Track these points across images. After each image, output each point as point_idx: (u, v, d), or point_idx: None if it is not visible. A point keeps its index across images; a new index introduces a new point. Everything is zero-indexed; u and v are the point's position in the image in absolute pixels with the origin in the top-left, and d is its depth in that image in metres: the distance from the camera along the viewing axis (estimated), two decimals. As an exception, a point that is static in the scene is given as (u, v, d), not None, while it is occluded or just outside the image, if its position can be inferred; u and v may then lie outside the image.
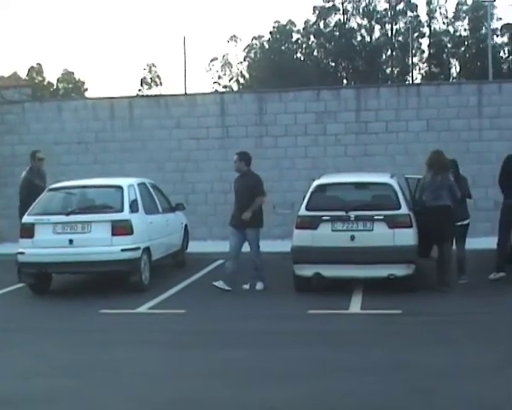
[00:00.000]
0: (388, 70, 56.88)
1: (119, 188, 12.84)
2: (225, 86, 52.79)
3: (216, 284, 12.72)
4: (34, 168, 15.04)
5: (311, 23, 53.27)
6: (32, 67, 53.45)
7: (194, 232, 16.43)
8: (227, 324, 10.31)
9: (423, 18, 60.38)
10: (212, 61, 55.80)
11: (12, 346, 9.37)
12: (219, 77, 54.03)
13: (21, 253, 12.43)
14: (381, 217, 11.82)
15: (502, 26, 59.03)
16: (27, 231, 12.48)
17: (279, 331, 9.73)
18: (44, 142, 19.34)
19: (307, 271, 12.03)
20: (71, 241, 12.11)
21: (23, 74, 50.61)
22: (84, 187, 13.47)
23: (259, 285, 12.86)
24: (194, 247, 16.21)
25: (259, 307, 11.35)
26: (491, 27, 50.04)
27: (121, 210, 12.49)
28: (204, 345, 9.11)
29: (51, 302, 12.33)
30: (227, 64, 54.02)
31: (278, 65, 46.79)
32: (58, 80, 53.03)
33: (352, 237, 11.82)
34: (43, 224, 12.40)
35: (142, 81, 57.26)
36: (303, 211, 12.22)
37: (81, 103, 21.14)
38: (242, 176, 12.91)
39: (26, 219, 12.57)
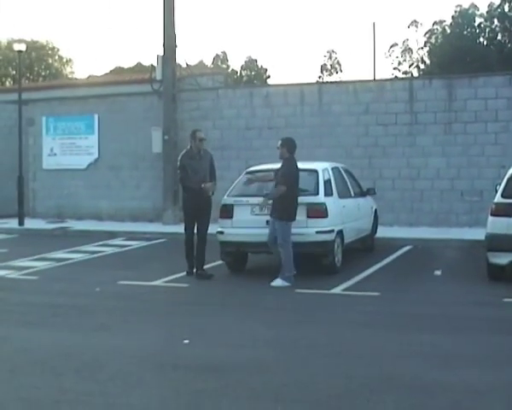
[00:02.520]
0: None
1: (315, 172, 13.17)
2: (405, 72, 52.15)
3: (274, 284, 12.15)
4: (193, 149, 13.18)
5: (494, 6, 51.71)
6: (217, 54, 55.29)
7: (381, 218, 16.56)
8: (421, 308, 10.38)
9: None
10: (391, 47, 55.24)
11: (216, 320, 9.87)
12: (399, 63, 53.52)
13: (221, 232, 13.04)
14: None
15: None
16: (227, 212, 13.02)
17: (475, 318, 9.71)
18: (236, 127, 20.14)
19: (502, 259, 11.89)
20: (267, 222, 12.50)
21: (208, 62, 52.42)
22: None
23: (277, 281, 12.09)
24: (381, 232, 16.35)
25: (453, 294, 11.35)
26: None
27: (316, 193, 12.82)
28: (401, 327, 9.24)
29: (247, 280, 12.88)
30: (407, 50, 53.39)
31: (460, 50, 45.69)
32: (242, 68, 54.43)
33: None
34: (242, 205, 12.93)
35: (322, 68, 57.72)
36: (499, 198, 12.07)
37: (271, 90, 21.76)
38: (283, 163, 12.52)
39: (226, 200, 13.10)
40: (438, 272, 12.89)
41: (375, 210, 15.96)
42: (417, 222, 18.72)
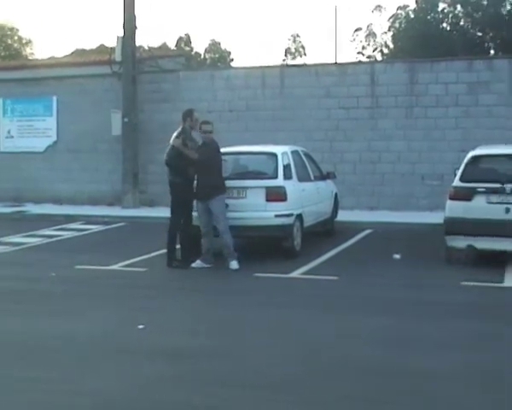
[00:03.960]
0: (539, 40, 54.70)
1: (274, 155, 13.09)
2: (369, 56, 52.26)
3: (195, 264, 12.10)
4: (187, 130, 12.56)
5: (458, -8, 52.10)
6: (181, 37, 54.87)
7: (341, 201, 16.52)
8: (380, 291, 10.37)
9: None
10: (356, 31, 55.36)
11: (172, 305, 9.81)
12: (363, 47, 53.65)
13: None
14: (539, 190, 11.58)
15: None
16: None
17: (433, 301, 9.71)
18: (197, 110, 19.85)
19: (460, 242, 11.93)
20: (226, 205, 12.34)
21: (172, 45, 52.04)
22: (239, 154, 13.80)
23: (234, 264, 11.97)
24: (342, 215, 16.31)
25: (411, 277, 11.35)
26: None
27: (275, 177, 12.76)
28: (359, 311, 9.22)
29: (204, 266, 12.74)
30: (371, 34, 53.54)
31: (423, 35, 45.85)
32: (205, 50, 54.18)
33: (507, 210, 11.64)
34: None
35: (287, 51, 57.67)
36: (457, 182, 12.11)
37: (233, 72, 21.64)
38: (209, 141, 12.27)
39: None
40: (397, 256, 12.87)
41: (336, 194, 15.92)
42: (378, 206, 18.74)
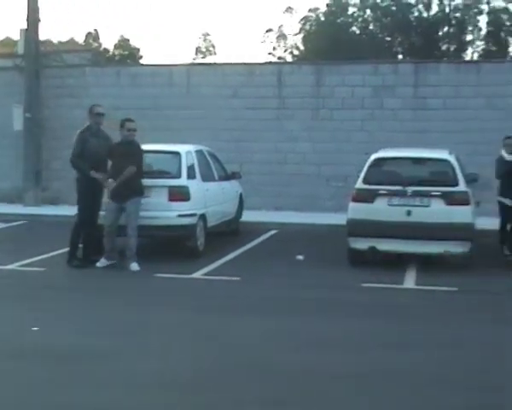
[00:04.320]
0: (444, 47, 56.04)
1: (177, 154, 12.94)
2: (280, 58, 52.42)
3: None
4: (92, 126, 12.35)
5: (367, -3, 52.93)
6: (90, 33, 54.00)
7: (248, 202, 16.46)
8: (280, 292, 10.35)
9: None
10: (267, 31, 55.52)
11: (69, 306, 9.57)
12: (274, 48, 53.86)
13: None
14: (439, 193, 11.78)
15: None
16: None
17: (333, 302, 9.77)
18: (103, 107, 19.52)
19: (362, 244, 12.04)
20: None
21: (80, 40, 51.13)
22: (144, 152, 13.51)
23: (135, 266, 11.73)
24: (247, 216, 16.27)
25: (313, 278, 11.39)
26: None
27: (179, 176, 12.61)
28: (260, 311, 9.19)
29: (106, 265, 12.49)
30: (282, 36, 53.80)
31: (333, 38, 46.40)
32: (114, 47, 53.44)
33: (409, 213, 11.80)
34: None
35: (197, 50, 57.43)
36: (360, 184, 12.22)
37: (140, 70, 21.36)
38: (132, 143, 12.08)
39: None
40: (300, 257, 12.89)
41: (241, 194, 15.86)
42: (284, 206, 18.73)
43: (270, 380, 6.51)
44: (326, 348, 7.58)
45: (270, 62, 23.73)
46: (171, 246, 13.01)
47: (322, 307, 9.50)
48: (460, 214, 11.72)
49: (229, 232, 15.02)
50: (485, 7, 56.58)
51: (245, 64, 20.22)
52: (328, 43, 45.26)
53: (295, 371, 6.78)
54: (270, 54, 53.81)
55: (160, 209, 12.22)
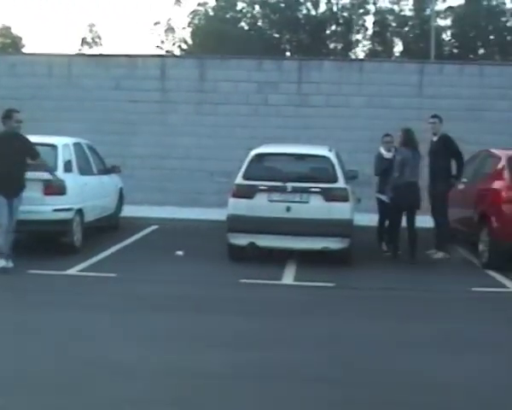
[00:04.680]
0: (332, 45, 56.91)
1: (54, 147, 12.55)
2: (168, 51, 51.96)
3: None
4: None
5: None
6: (-30, 20, 52.15)
7: (129, 196, 16.19)
8: (158, 289, 10.17)
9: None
10: (155, 24, 55.03)
11: None
12: (162, 42, 53.32)
13: None
14: (318, 189, 11.83)
15: (445, 9, 59.54)
16: None
17: (210, 298, 9.68)
18: (-21, 96, 18.82)
19: (242, 240, 11.99)
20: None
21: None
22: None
23: (2, 262, 11.03)
24: (129, 211, 15.99)
25: (192, 274, 11.26)
26: (435, 9, 50.36)
27: (54, 169, 12.20)
28: (134, 309, 9.00)
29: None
30: (170, 29, 53.32)
31: (222, 33, 46.35)
32: (-5, 34, 51.76)
33: (288, 209, 11.81)
34: None
35: (83, 41, 56.26)
36: (240, 180, 12.16)
37: (19, 59, 20.68)
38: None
39: None
40: (180, 253, 12.74)
41: (121, 188, 15.56)
42: (167, 201, 18.49)
43: (130, 380, 6.34)
44: (197, 345, 7.45)
45: (154, 55, 23.34)
46: (48, 242, 12.60)
47: (197, 303, 9.38)
48: (339, 211, 11.81)
49: (108, 228, 14.71)
50: (371, 7, 57.76)
51: (128, 56, 19.85)
52: (216, 38, 45.17)
53: (159, 370, 6.62)
54: (158, 47, 53.28)
55: (34, 204, 11.75)
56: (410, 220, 12.63)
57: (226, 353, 7.22)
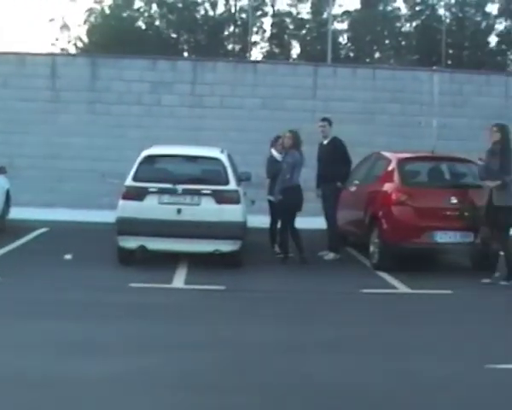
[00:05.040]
0: (230, 46, 57.02)
1: None
2: (63, 49, 50.99)
3: None
4: None
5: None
6: None
7: (18, 198, 15.68)
8: (46, 294, 9.84)
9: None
10: (50, 21, 53.84)
11: None
12: (57, 39, 52.23)
13: None
14: (209, 192, 11.72)
15: (342, 13, 60.51)
16: None
17: (99, 304, 9.40)
18: None
19: (131, 243, 11.76)
20: None
21: None
22: None
23: None
24: (16, 213, 15.49)
25: (80, 279, 10.94)
26: (332, 13, 51.10)
27: None
28: (21, 315, 8.64)
29: None
30: (65, 26, 52.30)
31: (118, 32, 45.80)
32: None
33: (179, 211, 11.65)
34: None
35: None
36: (129, 181, 11.95)
37: None
38: None
39: None
40: (68, 256, 12.42)
41: (8, 190, 15.07)
42: (57, 203, 17.98)
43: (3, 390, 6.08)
44: (83, 352, 7.20)
45: (44, 53, 22.73)
46: None
47: (83, 309, 9.09)
48: (230, 213, 11.72)
49: (-5, 231, 14.24)
50: (269, 9, 58.18)
51: (16, 53, 19.27)
52: (112, 37, 44.57)
53: (48, 377, 6.39)
54: (53, 45, 52.16)
55: None
56: (292, 222, 12.71)
57: (107, 360, 7.00)
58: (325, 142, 13.36)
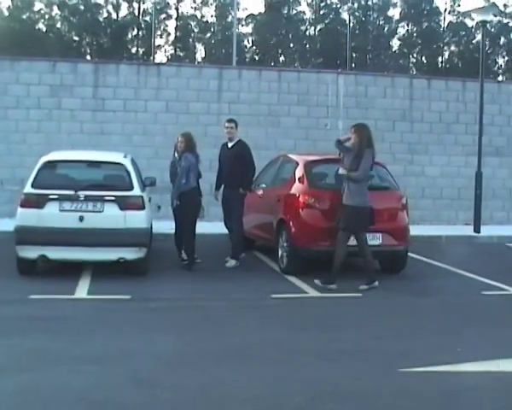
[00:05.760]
0: (134, 49, 56.46)
1: None
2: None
3: None
4: None
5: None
6: None
7: None
8: None
9: (172, 0, 60.60)
10: None
11: None
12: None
13: None
14: (113, 198, 11.35)
15: (247, 16, 60.72)
16: None
17: (-2, 317, 8.95)
18: None
19: (31, 253, 11.27)
20: None
21: None
22: None
23: None
24: None
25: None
26: (237, 17, 51.18)
27: None
28: None
29: None
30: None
31: (18, 34, 44.68)
32: None
33: (81, 218, 11.23)
34: None
35: None
36: (28, 188, 11.45)
37: None
38: None
39: None
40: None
41: None
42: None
43: None
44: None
45: None
46: None
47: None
48: (135, 219, 11.38)
49: None
50: (174, 12, 57.91)
51: None
52: (11, 39, 43.44)
53: None
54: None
55: None
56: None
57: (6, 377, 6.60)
58: (230, 144, 13.14)
